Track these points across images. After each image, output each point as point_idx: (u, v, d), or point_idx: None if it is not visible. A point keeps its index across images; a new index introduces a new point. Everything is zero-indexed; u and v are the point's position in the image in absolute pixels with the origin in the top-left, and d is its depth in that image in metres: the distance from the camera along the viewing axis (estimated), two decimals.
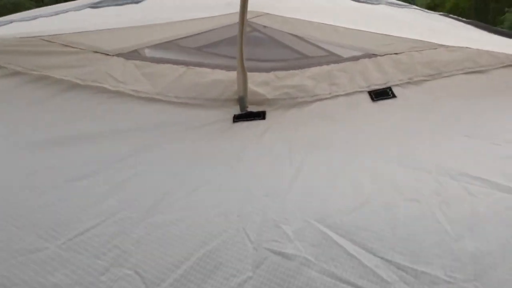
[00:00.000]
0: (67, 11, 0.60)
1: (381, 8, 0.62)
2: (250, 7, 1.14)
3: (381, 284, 0.48)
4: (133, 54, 0.91)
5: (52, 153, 0.64)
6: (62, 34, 0.86)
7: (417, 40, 0.91)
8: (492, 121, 0.67)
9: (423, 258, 0.50)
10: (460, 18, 0.63)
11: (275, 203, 0.59)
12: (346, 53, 1.06)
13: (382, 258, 0.51)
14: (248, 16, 1.32)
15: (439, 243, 0.51)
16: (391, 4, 0.62)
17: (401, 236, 0.53)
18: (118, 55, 0.88)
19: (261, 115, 0.81)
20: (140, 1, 0.59)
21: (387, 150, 0.64)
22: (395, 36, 0.93)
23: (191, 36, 1.46)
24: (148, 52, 1.37)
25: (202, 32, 1.43)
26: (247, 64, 1.03)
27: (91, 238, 0.55)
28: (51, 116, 0.69)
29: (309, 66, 0.91)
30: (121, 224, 0.57)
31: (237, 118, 0.81)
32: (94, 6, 0.59)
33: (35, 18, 0.60)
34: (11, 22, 0.60)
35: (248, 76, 0.87)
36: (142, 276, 0.50)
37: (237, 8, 0.73)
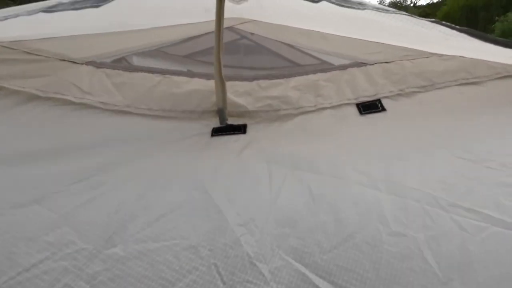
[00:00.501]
0: (17, 16, 0.53)
1: (368, 14, 0.56)
2: (236, 13, 1.09)
3: None
4: (105, 63, 0.84)
5: None
6: (26, 40, 0.79)
7: (408, 48, 0.86)
8: (488, 141, 0.61)
9: None
10: (453, 25, 0.58)
11: (251, 235, 0.52)
12: (336, 61, 1.01)
13: None
14: (235, 22, 1.28)
15: (426, 286, 0.45)
16: (378, 9, 0.56)
17: (385, 278, 0.47)
18: (88, 63, 0.82)
19: (241, 129, 0.75)
20: (100, 5, 0.52)
21: (374, 174, 0.58)
22: (386, 44, 0.88)
23: (177, 43, 1.41)
24: (136, 60, 1.31)
25: (189, 38, 1.38)
26: (231, 72, 0.97)
27: (38, 275, 0.48)
28: (1, 133, 0.62)
29: (294, 75, 0.86)
30: (73, 257, 0.50)
31: (215, 132, 0.75)
32: (47, 10, 0.52)
33: None
34: None
35: (230, 86, 0.81)
36: None
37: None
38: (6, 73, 0.71)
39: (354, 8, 0.56)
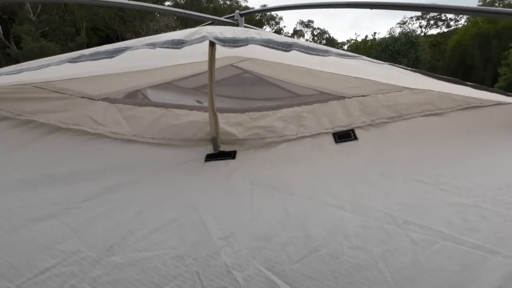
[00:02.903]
0: (48, 66, 0.67)
1: (333, 59, 0.67)
2: (234, 53, 1.23)
3: None
4: (117, 99, 0.99)
5: (21, 193, 0.69)
6: (53, 81, 0.95)
7: (383, 83, 0.96)
8: (444, 166, 0.68)
9: None
10: (405, 67, 0.68)
11: (230, 247, 0.61)
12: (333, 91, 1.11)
13: None
14: (235, 60, 1.43)
15: None
16: (341, 55, 0.67)
17: (343, 285, 0.53)
18: (103, 99, 0.96)
19: (231, 155, 0.85)
20: (113, 56, 0.65)
21: (342, 195, 0.66)
22: (365, 79, 0.99)
23: (186, 78, 1.58)
24: (150, 92, 1.46)
25: (194, 74, 1.54)
26: (236, 103, 1.08)
27: (50, 277, 0.57)
28: (29, 159, 0.75)
29: (282, 107, 0.97)
30: (79, 263, 0.60)
31: (209, 158, 0.85)
32: (72, 61, 0.66)
33: (20, 71, 0.67)
34: None
35: (224, 117, 0.93)
36: None
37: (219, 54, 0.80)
38: (36, 109, 0.85)
39: (320, 55, 0.67)
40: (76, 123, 0.85)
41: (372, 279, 0.54)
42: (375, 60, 0.69)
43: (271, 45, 0.67)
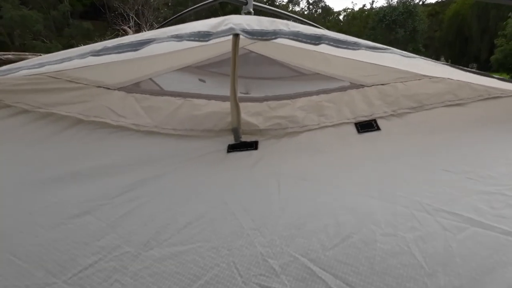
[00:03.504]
0: (70, 59, 0.65)
1: (364, 53, 0.66)
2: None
3: None
4: (134, 87, 0.97)
5: (54, 190, 0.70)
6: (67, 70, 0.92)
7: (402, 70, 0.95)
8: (468, 156, 0.71)
9: None
10: (435, 60, 0.68)
11: (263, 237, 0.63)
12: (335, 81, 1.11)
13: None
14: (244, 43, 1.39)
15: (414, 277, 0.55)
16: (371, 48, 0.66)
17: (378, 270, 0.57)
18: (120, 89, 0.94)
19: (253, 145, 0.86)
20: (138, 49, 0.64)
21: (369, 184, 0.68)
22: (382, 66, 0.98)
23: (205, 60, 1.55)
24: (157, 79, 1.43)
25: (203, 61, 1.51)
26: (242, 83, 1.06)
27: (94, 273, 0.60)
28: (55, 154, 0.74)
29: (300, 96, 0.96)
30: (120, 259, 0.62)
31: (231, 148, 0.86)
32: (95, 54, 0.64)
33: (41, 65, 0.65)
34: (20, 69, 0.65)
35: (243, 107, 0.92)
36: None
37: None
38: (55, 101, 0.83)
39: (349, 48, 0.66)
40: (97, 115, 0.84)
41: (407, 264, 0.57)
42: (404, 52, 0.69)
43: (300, 39, 0.66)
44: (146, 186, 0.74)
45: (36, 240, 0.63)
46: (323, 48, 0.66)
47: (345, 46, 0.66)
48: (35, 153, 0.75)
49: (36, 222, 0.65)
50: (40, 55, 1.20)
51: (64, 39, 15.50)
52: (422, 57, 0.69)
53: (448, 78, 0.89)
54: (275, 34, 0.66)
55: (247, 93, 1.84)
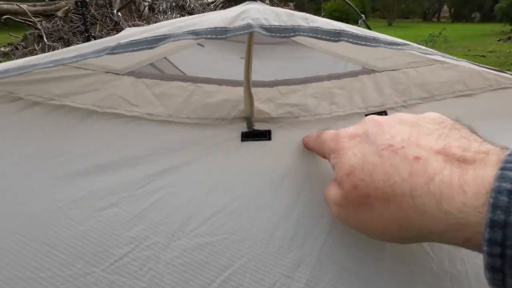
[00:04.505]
0: (85, 57, 0.64)
1: (382, 50, 0.66)
2: None
3: None
4: (143, 72, 0.94)
5: (80, 184, 0.72)
6: None
7: (414, 54, 0.95)
8: None
9: None
10: (458, 58, 0.68)
11: (283, 230, 0.69)
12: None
13: None
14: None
15: None
16: (390, 44, 0.66)
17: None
18: (129, 73, 0.92)
19: (266, 135, 0.88)
20: (154, 47, 0.62)
21: None
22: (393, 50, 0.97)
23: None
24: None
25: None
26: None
27: (129, 262, 0.66)
28: (76, 147, 0.76)
29: (310, 81, 0.96)
30: (151, 248, 0.68)
31: (244, 137, 0.88)
32: (111, 52, 0.63)
33: (57, 65, 0.64)
34: (34, 67, 0.64)
35: (253, 93, 0.92)
36: None
37: None
38: (66, 91, 0.82)
39: (368, 45, 0.66)
40: (111, 106, 0.83)
41: (417, 253, 0.64)
42: (423, 47, 0.69)
43: (319, 35, 0.65)
44: (167, 176, 0.77)
45: (70, 233, 0.68)
46: (342, 45, 0.66)
47: (364, 43, 0.66)
48: (55, 147, 0.76)
49: (67, 216, 0.69)
50: None
51: None
52: (441, 52, 0.69)
53: (461, 65, 0.89)
54: (294, 31, 0.65)
55: (242, 58, 1.80)
